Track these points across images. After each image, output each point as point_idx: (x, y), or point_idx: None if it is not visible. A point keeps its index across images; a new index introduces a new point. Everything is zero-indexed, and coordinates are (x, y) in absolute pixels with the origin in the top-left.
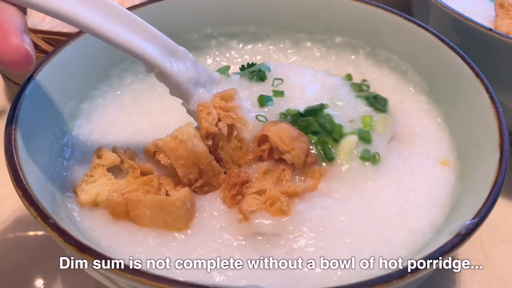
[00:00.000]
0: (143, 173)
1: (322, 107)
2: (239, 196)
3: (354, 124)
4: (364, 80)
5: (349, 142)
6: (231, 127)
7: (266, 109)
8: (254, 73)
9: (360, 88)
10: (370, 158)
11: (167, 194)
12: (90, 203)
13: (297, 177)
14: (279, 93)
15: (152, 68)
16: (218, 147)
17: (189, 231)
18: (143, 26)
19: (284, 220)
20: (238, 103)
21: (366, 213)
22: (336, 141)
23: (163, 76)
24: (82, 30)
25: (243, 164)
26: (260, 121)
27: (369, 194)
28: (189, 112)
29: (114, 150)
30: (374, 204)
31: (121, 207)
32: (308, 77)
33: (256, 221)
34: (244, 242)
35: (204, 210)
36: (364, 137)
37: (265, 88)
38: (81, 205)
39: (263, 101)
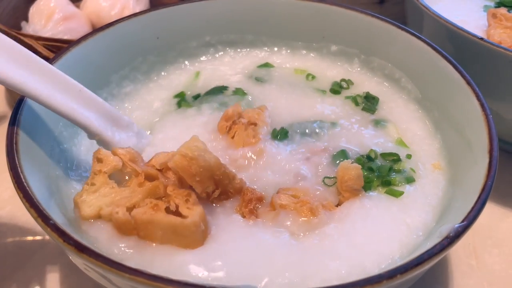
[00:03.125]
0: (147, 178)
1: None
2: (256, 211)
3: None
4: (343, 80)
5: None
6: (253, 123)
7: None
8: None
9: (340, 86)
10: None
11: (177, 210)
12: (93, 217)
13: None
14: None
15: (92, 135)
16: (233, 131)
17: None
18: (88, 96)
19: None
20: (265, 114)
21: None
22: None
23: (104, 143)
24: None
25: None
26: None
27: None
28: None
29: (114, 152)
30: (368, 206)
31: (129, 225)
32: None
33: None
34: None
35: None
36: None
37: None
38: (83, 219)
39: None
